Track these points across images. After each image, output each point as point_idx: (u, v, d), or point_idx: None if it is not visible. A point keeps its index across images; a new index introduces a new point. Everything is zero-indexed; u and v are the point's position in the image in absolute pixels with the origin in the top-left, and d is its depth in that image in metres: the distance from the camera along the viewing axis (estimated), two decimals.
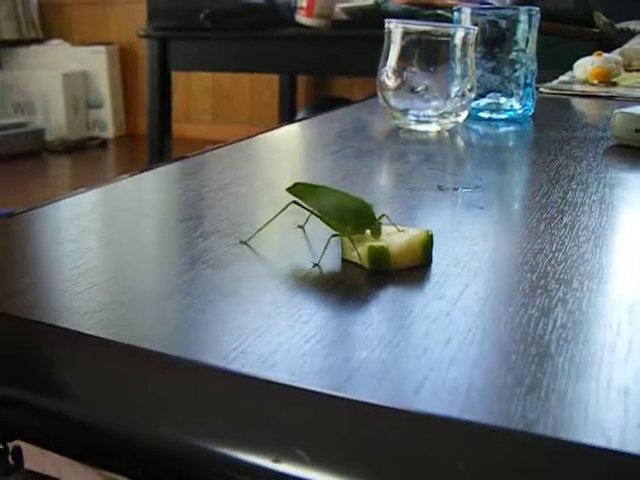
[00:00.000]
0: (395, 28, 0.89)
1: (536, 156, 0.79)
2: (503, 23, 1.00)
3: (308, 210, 0.44)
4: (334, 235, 0.42)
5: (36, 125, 4.18)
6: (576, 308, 0.35)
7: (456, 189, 0.61)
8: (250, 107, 4.34)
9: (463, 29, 0.90)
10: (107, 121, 4.54)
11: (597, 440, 0.25)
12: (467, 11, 1.00)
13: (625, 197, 0.60)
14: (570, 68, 1.45)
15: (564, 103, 1.21)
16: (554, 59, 1.53)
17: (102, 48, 4.46)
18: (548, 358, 0.30)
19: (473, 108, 0.98)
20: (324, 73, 3.77)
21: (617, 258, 0.45)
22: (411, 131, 0.90)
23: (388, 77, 0.90)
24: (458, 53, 0.88)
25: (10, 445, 0.32)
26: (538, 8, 1.00)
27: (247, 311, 0.35)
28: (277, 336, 0.32)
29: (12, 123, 4.04)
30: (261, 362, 0.30)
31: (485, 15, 1.00)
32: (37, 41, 4.62)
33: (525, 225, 0.51)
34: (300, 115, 3.51)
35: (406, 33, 0.88)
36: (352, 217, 0.42)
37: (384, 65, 0.90)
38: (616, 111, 0.81)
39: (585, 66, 1.40)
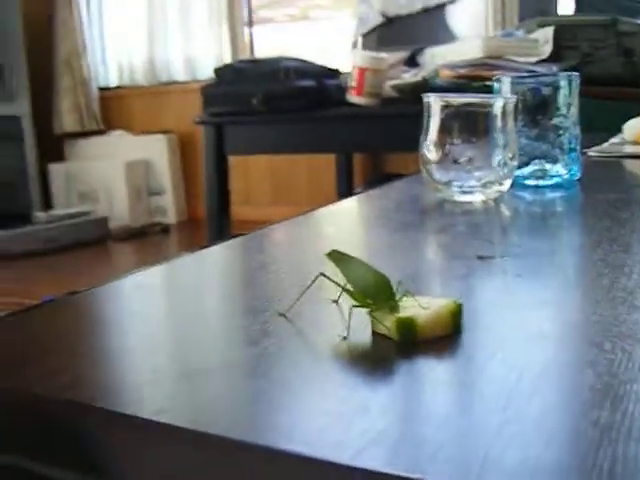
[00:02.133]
0: (434, 102, 0.90)
1: (580, 220, 0.78)
2: (544, 90, 1.00)
3: (335, 283, 0.45)
4: (355, 306, 0.42)
5: (100, 213, 4.29)
6: (605, 371, 0.34)
7: (495, 258, 0.61)
8: (308, 187, 4.39)
9: (502, 99, 0.90)
10: (169, 207, 4.64)
11: None
12: (507, 80, 1.01)
13: None
14: (621, 130, 1.45)
15: (613, 166, 1.21)
16: (605, 122, 1.52)
17: (162, 136, 4.58)
18: (575, 427, 0.30)
19: (519, 176, 0.98)
20: (377, 150, 3.81)
21: None
22: (456, 202, 0.90)
23: (429, 150, 0.91)
24: (498, 123, 0.89)
25: None
26: (577, 73, 1.00)
27: (274, 386, 0.35)
28: (298, 409, 0.32)
29: (77, 212, 4.15)
30: (279, 435, 0.30)
31: (525, 83, 1.01)
32: (98, 132, 4.78)
33: (561, 291, 0.51)
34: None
35: (445, 106, 0.89)
36: (374, 292, 0.42)
37: (425, 139, 0.91)
38: None
39: (635, 127, 1.39)
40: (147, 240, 4.20)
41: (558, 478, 0.26)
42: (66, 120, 4.77)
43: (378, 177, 3.85)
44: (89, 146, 4.72)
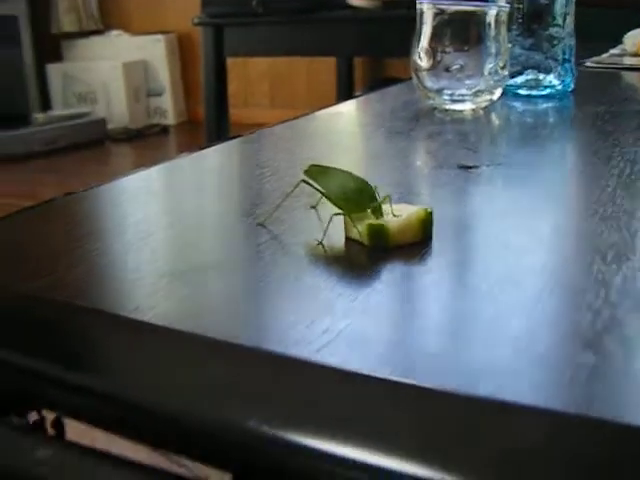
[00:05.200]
0: (427, 8, 0.89)
1: (566, 132, 0.79)
2: None
3: (317, 190, 0.46)
4: (336, 214, 0.44)
5: (98, 115, 4.27)
6: (554, 283, 0.36)
7: (477, 167, 0.62)
8: (307, 90, 4.35)
9: (495, 7, 0.90)
10: (168, 108, 4.61)
11: None
12: None
13: None
14: (621, 41, 1.43)
15: (610, 77, 1.20)
16: (605, 31, 1.50)
17: (161, 37, 4.52)
18: (539, 332, 0.32)
19: (511, 85, 0.98)
20: (378, 54, 3.76)
21: (622, 234, 0.44)
22: (446, 110, 0.91)
23: (421, 58, 0.91)
24: (491, 31, 0.89)
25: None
26: None
27: (249, 286, 0.37)
28: (269, 308, 0.34)
29: (75, 113, 4.13)
30: (254, 332, 0.32)
31: None
32: (97, 32, 4.71)
33: (535, 201, 0.52)
34: None
35: (437, 13, 0.89)
36: (354, 197, 0.44)
37: (417, 45, 0.91)
38: None
39: (635, 38, 1.37)
40: (146, 141, 4.19)
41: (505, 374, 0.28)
42: (64, 20, 4.69)
43: (379, 81, 3.81)
44: (87, 46, 4.66)
